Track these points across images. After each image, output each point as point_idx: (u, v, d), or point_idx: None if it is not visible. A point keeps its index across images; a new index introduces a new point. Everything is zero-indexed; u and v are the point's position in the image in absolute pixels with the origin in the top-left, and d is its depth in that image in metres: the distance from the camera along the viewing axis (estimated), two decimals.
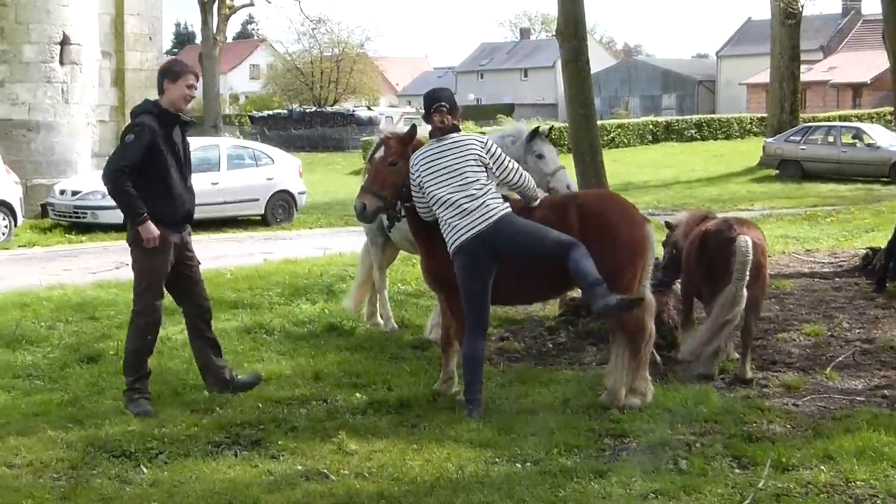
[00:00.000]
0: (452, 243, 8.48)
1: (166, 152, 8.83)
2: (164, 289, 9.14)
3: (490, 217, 8.43)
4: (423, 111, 8.97)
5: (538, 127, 10.88)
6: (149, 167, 8.75)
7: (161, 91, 8.98)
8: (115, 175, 8.75)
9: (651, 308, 8.94)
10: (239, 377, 9.37)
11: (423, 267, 9.30)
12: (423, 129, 9.17)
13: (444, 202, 8.49)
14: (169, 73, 8.99)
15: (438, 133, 8.76)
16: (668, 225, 10.80)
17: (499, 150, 8.82)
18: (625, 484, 6.94)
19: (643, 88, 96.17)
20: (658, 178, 39.46)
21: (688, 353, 9.54)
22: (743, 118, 62.16)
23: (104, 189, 26.04)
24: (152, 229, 8.73)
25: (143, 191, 8.74)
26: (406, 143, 8.90)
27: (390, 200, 8.81)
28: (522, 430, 8.05)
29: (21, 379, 9.95)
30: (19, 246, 22.57)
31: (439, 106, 8.79)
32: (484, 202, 8.46)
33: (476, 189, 8.49)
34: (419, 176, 8.62)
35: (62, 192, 24.72)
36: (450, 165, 8.56)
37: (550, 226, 8.56)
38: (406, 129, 9.12)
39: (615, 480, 6.98)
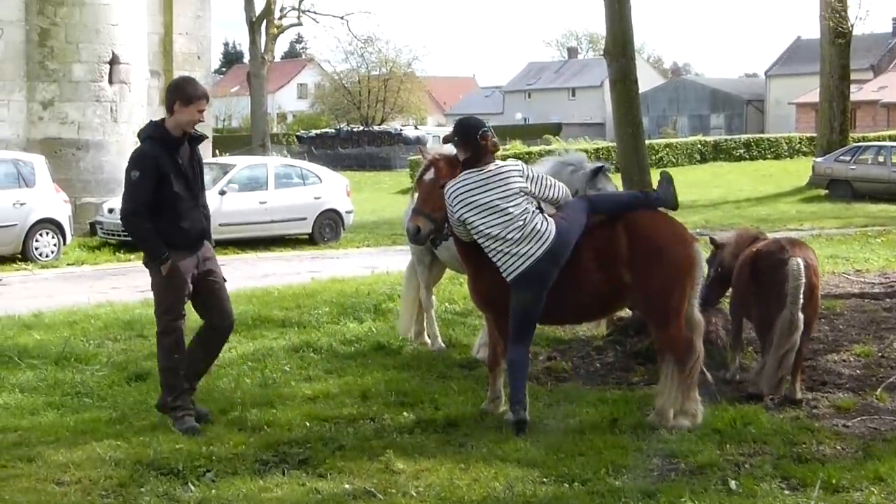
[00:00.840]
0: (516, 269, 8.46)
1: (173, 177, 8.59)
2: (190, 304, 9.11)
3: (549, 234, 8.48)
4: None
5: (602, 166, 10.82)
6: (157, 196, 8.58)
7: (170, 110, 8.72)
8: (133, 220, 8.70)
9: (700, 327, 8.89)
10: (198, 408, 9.07)
11: (470, 287, 9.30)
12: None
13: (492, 237, 8.50)
14: (181, 95, 8.66)
15: (473, 163, 8.67)
16: (713, 242, 10.75)
17: (534, 173, 8.82)
18: None
19: (691, 108, 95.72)
20: (707, 198, 39.27)
21: (767, 389, 9.45)
22: (792, 138, 61.78)
23: None
24: (171, 266, 8.66)
25: (153, 219, 8.62)
26: (455, 164, 8.84)
27: (440, 223, 8.83)
28: (570, 450, 8.01)
29: (70, 397, 10.00)
30: (68, 264, 22.77)
31: (486, 132, 8.70)
32: (533, 227, 8.46)
33: (521, 221, 8.48)
34: (458, 211, 8.54)
35: (111, 211, 24.87)
36: (491, 202, 8.50)
37: (599, 246, 8.63)
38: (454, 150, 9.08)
39: (664, 501, 6.95)
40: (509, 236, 8.44)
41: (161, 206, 8.61)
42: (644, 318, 9.48)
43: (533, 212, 8.56)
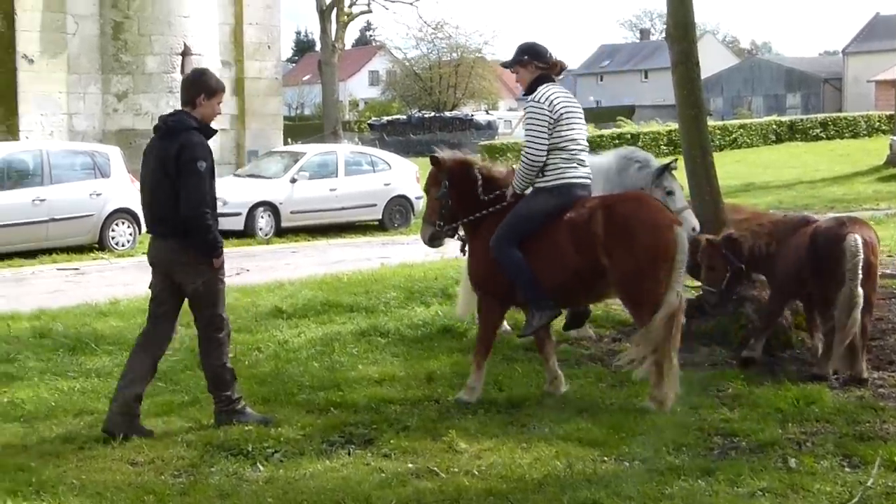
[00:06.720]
0: (551, 180, 8.89)
1: (214, 168, 8.52)
2: (154, 303, 8.94)
3: (589, 180, 9.09)
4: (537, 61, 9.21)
5: (670, 162, 10.90)
6: None
7: (192, 103, 8.51)
8: (206, 212, 8.32)
9: (675, 312, 8.66)
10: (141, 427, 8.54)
11: (468, 267, 9.70)
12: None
13: (566, 149, 8.92)
14: (205, 89, 8.52)
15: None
16: (729, 239, 10.35)
17: None
18: (732, 482, 6.97)
19: (766, 88, 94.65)
20: (781, 179, 38.82)
21: (839, 366, 9.48)
22: (871, 116, 60.41)
23: (225, 196, 26.12)
24: (223, 258, 8.59)
25: None
26: (437, 170, 9.35)
27: (441, 223, 9.30)
28: (631, 430, 8.12)
29: None
30: (143, 253, 23.02)
31: (552, 54, 9.29)
32: (588, 171, 9.11)
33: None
34: (557, 110, 8.91)
35: None
36: (581, 121, 9.13)
37: (577, 226, 8.76)
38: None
39: (722, 478, 7.02)
40: (579, 155, 9.00)
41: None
42: (620, 300, 9.51)
43: None
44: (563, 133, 8.89)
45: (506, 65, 9.61)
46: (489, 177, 9.25)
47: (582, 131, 9.07)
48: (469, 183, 9.18)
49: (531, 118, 8.90)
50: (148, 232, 8.86)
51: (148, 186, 8.63)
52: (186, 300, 8.71)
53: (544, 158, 8.86)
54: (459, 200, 9.21)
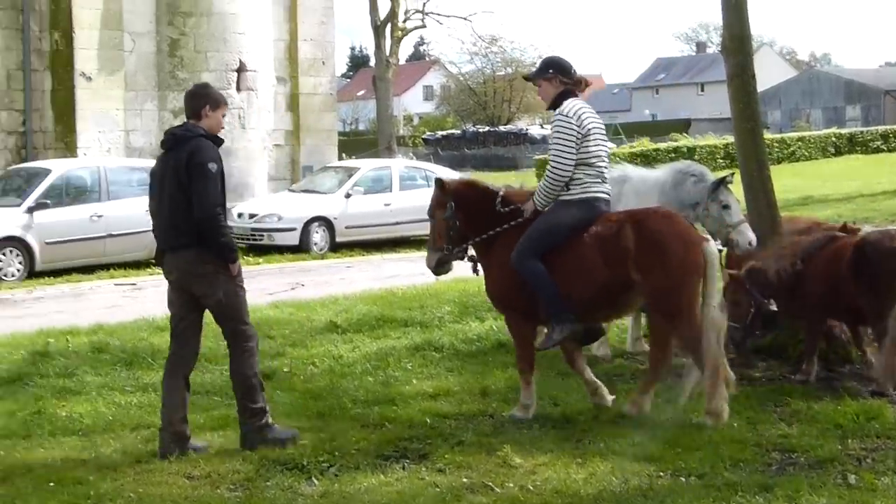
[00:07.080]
0: (577, 194, 8.85)
1: (224, 173, 8.49)
2: (174, 320, 8.76)
3: (608, 196, 9.08)
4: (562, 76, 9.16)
5: (726, 176, 10.82)
6: None
7: (197, 115, 8.52)
8: (220, 216, 8.34)
9: (716, 326, 8.68)
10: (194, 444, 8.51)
11: (485, 286, 9.52)
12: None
13: (593, 165, 8.90)
14: (210, 100, 8.57)
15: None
16: (751, 271, 10.14)
17: None
18: (790, 498, 6.90)
19: (825, 100, 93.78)
20: (840, 192, 38.38)
21: (890, 383, 9.35)
22: None
23: (280, 212, 26.34)
24: (240, 264, 8.61)
25: None
26: (442, 193, 9.27)
27: (449, 246, 9.24)
28: (688, 445, 8.04)
29: (200, 395, 10.26)
30: None
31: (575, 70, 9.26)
32: (609, 187, 9.14)
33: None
34: (585, 125, 8.86)
35: (240, 215, 25.30)
36: (605, 138, 9.11)
37: (605, 242, 8.72)
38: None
39: (781, 494, 6.94)
40: (601, 169, 8.96)
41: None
42: (652, 315, 9.42)
43: None
44: (590, 149, 8.87)
45: (528, 77, 9.63)
46: (503, 193, 9.25)
47: (605, 147, 9.07)
48: (479, 201, 9.18)
49: (559, 132, 8.86)
50: (160, 248, 8.77)
51: (163, 198, 8.50)
52: (210, 315, 8.69)
53: (571, 173, 8.83)
54: (468, 220, 9.16)
